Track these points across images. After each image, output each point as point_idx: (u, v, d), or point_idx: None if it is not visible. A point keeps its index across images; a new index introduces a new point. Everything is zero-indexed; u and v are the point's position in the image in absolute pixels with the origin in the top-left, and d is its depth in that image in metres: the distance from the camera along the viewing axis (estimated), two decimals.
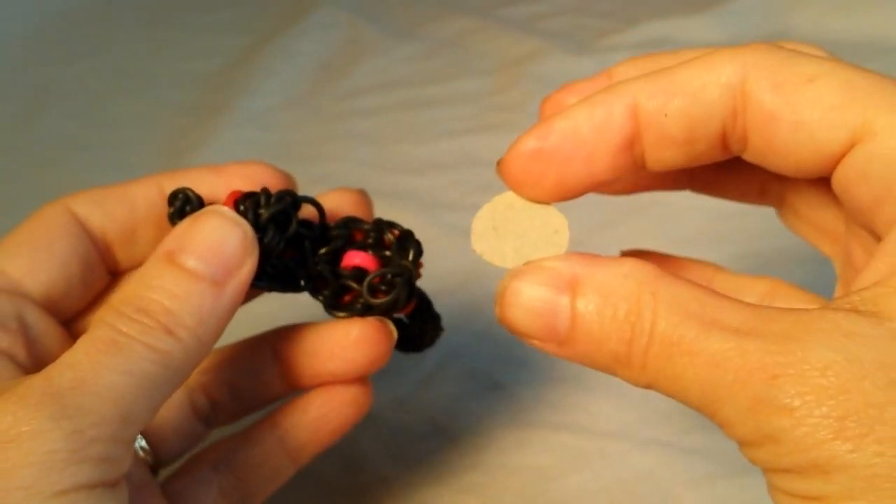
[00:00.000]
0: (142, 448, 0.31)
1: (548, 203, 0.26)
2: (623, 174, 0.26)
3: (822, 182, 0.27)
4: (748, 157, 0.25)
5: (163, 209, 0.29)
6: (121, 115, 0.71)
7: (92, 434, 0.21)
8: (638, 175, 0.29)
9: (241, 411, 0.33)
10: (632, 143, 0.25)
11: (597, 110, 0.25)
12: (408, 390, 0.41)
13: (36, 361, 0.27)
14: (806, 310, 0.21)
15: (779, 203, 0.30)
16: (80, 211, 0.30)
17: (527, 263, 0.24)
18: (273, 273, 0.29)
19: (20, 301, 0.27)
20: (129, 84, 0.76)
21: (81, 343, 0.23)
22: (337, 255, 0.30)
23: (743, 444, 0.21)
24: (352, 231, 0.30)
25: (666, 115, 0.24)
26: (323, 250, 0.30)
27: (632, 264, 0.23)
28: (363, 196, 0.33)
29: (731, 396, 0.20)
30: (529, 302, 0.23)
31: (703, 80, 0.24)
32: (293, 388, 0.33)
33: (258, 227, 0.27)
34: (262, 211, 0.27)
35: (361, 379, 0.33)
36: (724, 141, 0.25)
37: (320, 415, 0.32)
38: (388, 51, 0.77)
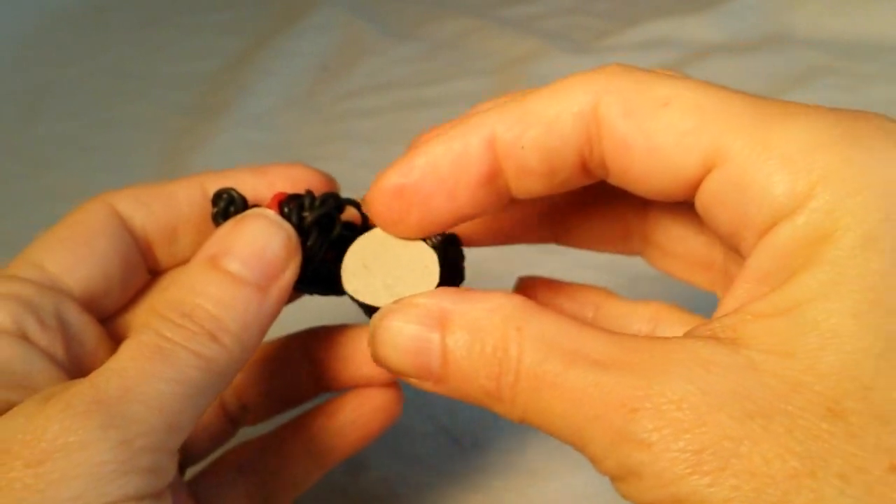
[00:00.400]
0: None
1: (417, 239, 0.26)
2: (490, 207, 0.25)
3: (686, 213, 0.27)
4: (612, 180, 0.25)
5: (205, 210, 0.29)
6: (120, 115, 0.71)
7: (140, 444, 0.21)
8: (504, 212, 0.28)
9: (270, 412, 0.33)
10: (493, 175, 0.24)
11: (454, 144, 0.24)
12: (410, 390, 0.41)
13: (75, 360, 0.27)
14: (666, 339, 0.21)
15: (644, 246, 0.30)
16: (122, 208, 0.29)
17: (396, 301, 0.24)
18: (315, 277, 0.28)
19: (59, 298, 0.27)
20: (128, 85, 0.76)
21: (127, 348, 0.23)
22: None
23: (611, 478, 0.21)
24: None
25: (523, 146, 0.24)
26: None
27: (499, 298, 0.23)
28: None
29: (594, 431, 0.20)
30: (401, 340, 0.23)
31: (556, 108, 0.23)
32: (324, 390, 0.32)
33: (302, 230, 0.27)
34: (306, 214, 0.27)
35: (392, 384, 0.32)
36: (584, 168, 0.24)
37: (349, 420, 0.32)
38: (386, 51, 0.77)
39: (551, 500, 0.38)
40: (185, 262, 0.30)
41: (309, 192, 0.27)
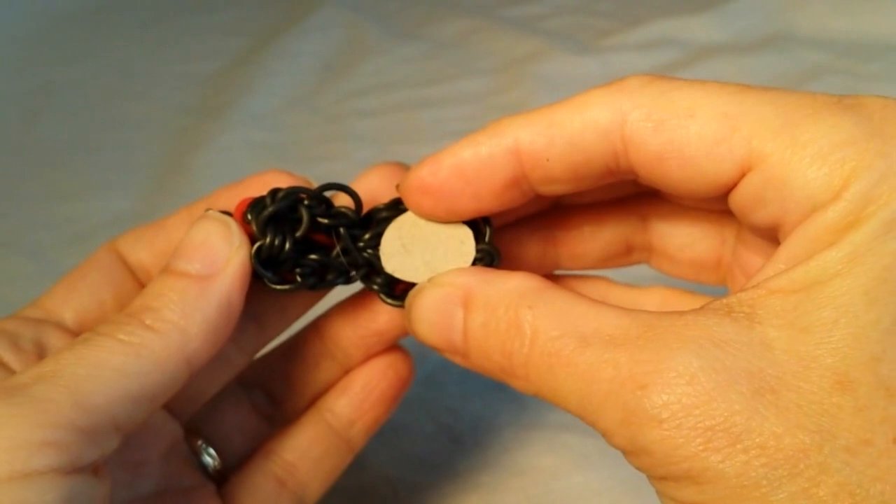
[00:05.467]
0: (208, 455, 0.31)
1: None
2: (514, 206, 0.27)
3: (688, 220, 0.29)
4: (642, 182, 0.26)
5: None
6: (122, 116, 0.71)
7: (38, 419, 0.21)
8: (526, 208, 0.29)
9: (302, 403, 0.33)
10: (517, 180, 0.25)
11: (480, 149, 0.25)
12: (411, 389, 0.41)
13: None
14: (681, 313, 0.21)
15: (647, 257, 0.31)
16: (120, 245, 0.31)
17: (430, 279, 0.25)
18: (309, 271, 0.28)
19: (42, 327, 0.28)
20: (130, 85, 0.76)
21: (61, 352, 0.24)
22: (380, 239, 0.29)
23: (623, 452, 0.21)
24: (402, 212, 0.29)
25: (548, 159, 0.25)
26: (367, 235, 0.29)
27: (519, 278, 0.24)
28: (403, 168, 0.32)
29: (606, 408, 0.21)
30: (431, 316, 0.25)
31: (579, 124, 0.24)
32: (349, 370, 0.33)
33: (264, 228, 0.27)
34: (266, 211, 0.27)
35: (398, 347, 0.33)
36: (610, 174, 0.25)
37: (361, 387, 0.33)
38: (389, 51, 0.77)
39: (554, 500, 0.38)
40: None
41: (272, 191, 0.28)
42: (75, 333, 0.28)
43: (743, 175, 0.23)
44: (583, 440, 0.40)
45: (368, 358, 0.33)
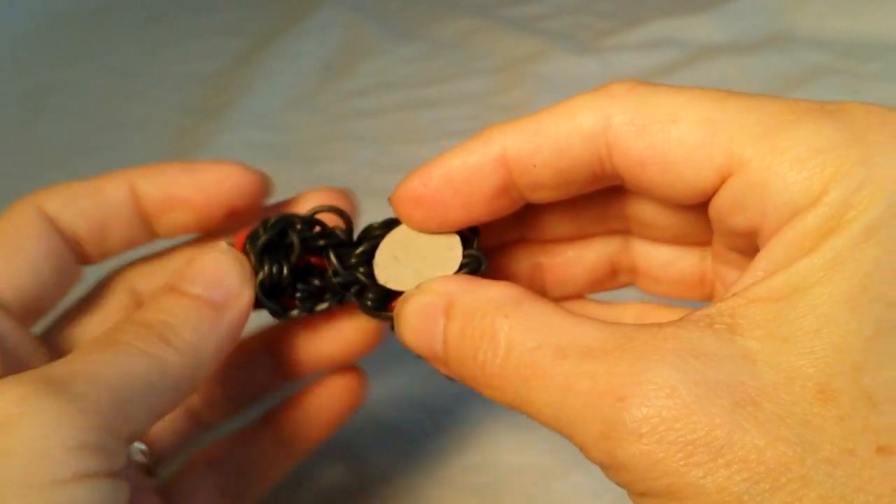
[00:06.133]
0: (140, 450, 0.31)
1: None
2: (504, 212, 0.27)
3: (671, 236, 0.29)
4: (627, 187, 0.26)
5: (133, 204, 0.30)
6: (122, 116, 0.71)
7: (88, 422, 0.20)
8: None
9: (234, 407, 0.33)
10: (506, 188, 0.26)
11: (469, 158, 0.25)
12: (409, 389, 0.41)
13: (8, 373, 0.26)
14: (660, 325, 0.21)
15: (633, 279, 0.31)
16: (49, 208, 0.29)
17: (418, 286, 0.25)
18: (306, 295, 0.29)
19: None
20: (130, 85, 0.76)
21: (78, 347, 0.23)
22: (372, 256, 0.29)
23: (601, 467, 0.21)
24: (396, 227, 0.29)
25: (535, 165, 0.25)
26: (357, 251, 0.29)
27: (499, 287, 0.24)
28: (346, 196, 0.32)
29: (583, 421, 0.20)
30: (414, 322, 0.25)
31: (566, 129, 0.24)
32: (287, 379, 0.33)
33: (261, 258, 0.28)
34: (259, 242, 0.28)
35: (355, 368, 0.33)
36: (596, 179, 0.25)
37: (314, 406, 0.33)
38: (389, 51, 0.77)
39: (553, 500, 0.38)
40: (113, 256, 0.31)
41: (264, 220, 0.28)
42: (17, 314, 0.27)
43: (723, 181, 0.23)
44: None
45: (316, 368, 0.33)
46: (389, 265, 0.28)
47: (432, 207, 0.26)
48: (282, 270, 0.28)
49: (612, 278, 0.31)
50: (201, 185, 0.30)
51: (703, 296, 0.30)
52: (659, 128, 0.23)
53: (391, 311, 0.28)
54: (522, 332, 0.22)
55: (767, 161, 0.21)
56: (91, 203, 0.29)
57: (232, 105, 0.69)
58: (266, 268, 0.28)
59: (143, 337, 0.24)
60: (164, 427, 0.32)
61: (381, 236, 0.29)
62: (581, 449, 0.21)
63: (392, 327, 0.27)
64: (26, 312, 0.28)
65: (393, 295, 0.28)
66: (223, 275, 0.26)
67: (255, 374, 0.33)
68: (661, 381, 0.19)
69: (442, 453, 0.40)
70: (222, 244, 0.28)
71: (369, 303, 0.28)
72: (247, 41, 0.80)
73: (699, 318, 0.21)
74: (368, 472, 0.40)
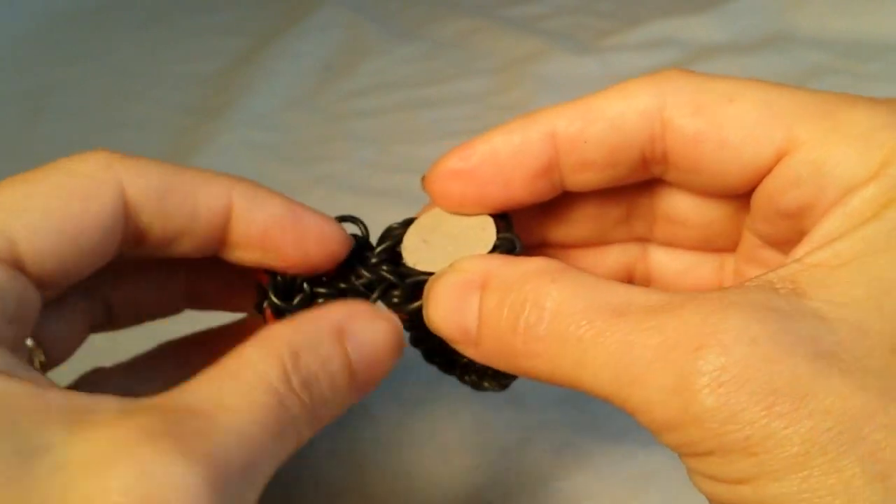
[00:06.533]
0: (30, 347, 0.26)
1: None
2: (542, 197, 0.26)
3: (688, 242, 0.29)
4: (669, 178, 0.26)
5: (222, 222, 0.26)
6: (122, 116, 0.71)
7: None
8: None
9: (136, 317, 0.31)
10: (549, 168, 0.25)
11: (514, 136, 0.25)
12: (409, 390, 0.41)
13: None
14: (723, 289, 0.21)
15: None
16: (132, 193, 0.25)
17: (451, 265, 0.24)
18: (328, 300, 0.28)
19: (23, 283, 0.23)
20: (130, 86, 0.76)
21: (250, 404, 0.20)
22: (394, 253, 0.28)
23: (662, 429, 0.20)
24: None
25: (585, 141, 0.25)
26: (379, 249, 0.28)
27: (540, 260, 0.23)
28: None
29: (651, 376, 0.20)
30: (446, 301, 0.24)
31: (621, 107, 0.24)
32: (192, 307, 0.32)
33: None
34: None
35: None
36: (644, 163, 0.25)
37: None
38: (389, 51, 0.77)
39: (555, 501, 0.38)
40: (166, 256, 0.27)
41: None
42: (39, 281, 0.23)
43: (779, 159, 0.23)
44: (583, 440, 0.40)
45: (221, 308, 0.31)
46: (419, 248, 0.27)
47: (471, 182, 0.26)
48: (294, 276, 0.27)
49: None
50: (303, 240, 0.27)
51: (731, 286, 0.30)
52: (717, 106, 0.23)
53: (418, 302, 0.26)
54: (570, 294, 0.21)
55: (827, 138, 0.22)
56: (180, 206, 0.26)
57: (232, 105, 0.69)
58: (299, 299, 0.27)
59: (303, 418, 0.21)
60: (59, 331, 0.28)
61: (402, 234, 0.28)
62: (639, 412, 0.20)
63: (411, 325, 0.26)
64: (51, 282, 0.24)
65: (420, 288, 0.26)
66: (383, 356, 0.24)
67: (164, 294, 0.31)
68: (741, 330, 0.19)
69: (443, 454, 0.40)
70: (393, 317, 0.24)
71: (395, 300, 0.27)
72: (247, 41, 0.80)
73: (761, 283, 0.21)
74: (368, 475, 0.40)
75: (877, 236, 0.20)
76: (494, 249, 0.26)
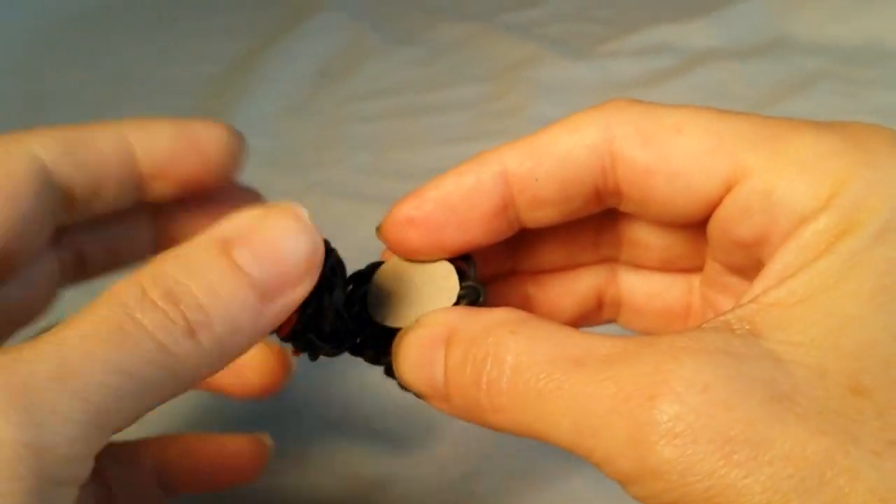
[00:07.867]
0: None
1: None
2: (500, 236, 0.26)
3: (657, 266, 0.29)
4: (624, 208, 0.26)
5: (128, 162, 0.27)
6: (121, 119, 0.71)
7: (61, 453, 0.18)
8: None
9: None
10: (504, 208, 0.25)
11: (466, 178, 0.25)
12: (407, 394, 0.41)
13: None
14: (678, 332, 0.20)
15: (616, 313, 0.30)
16: (47, 157, 0.25)
17: (417, 320, 0.24)
18: (331, 334, 0.26)
19: None
20: (127, 89, 0.76)
21: (79, 320, 0.19)
22: (362, 303, 0.27)
23: (626, 480, 0.20)
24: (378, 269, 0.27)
25: (536, 179, 0.25)
26: (346, 301, 0.26)
27: (503, 311, 0.23)
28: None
29: (608, 428, 0.19)
30: (414, 357, 0.24)
31: (569, 143, 0.24)
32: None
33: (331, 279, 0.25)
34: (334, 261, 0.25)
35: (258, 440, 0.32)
36: (598, 196, 0.25)
37: (206, 464, 0.32)
38: (386, 56, 0.77)
39: (554, 501, 0.38)
40: (101, 217, 0.28)
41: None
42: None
43: (728, 189, 0.23)
44: None
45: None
46: (385, 302, 0.27)
47: (427, 230, 0.25)
48: (341, 296, 0.26)
49: (598, 312, 0.30)
50: (200, 147, 0.28)
51: (685, 325, 0.29)
52: (665, 137, 0.23)
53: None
54: (531, 346, 0.21)
55: (773, 167, 0.22)
56: (91, 157, 0.26)
57: (230, 109, 0.69)
58: (335, 294, 0.25)
59: (166, 327, 0.20)
60: (32, 281, 0.28)
61: (366, 288, 0.27)
62: (603, 463, 0.20)
63: (388, 371, 0.25)
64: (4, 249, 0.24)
65: (389, 342, 0.25)
66: (290, 254, 0.22)
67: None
68: (693, 377, 0.19)
69: (441, 457, 0.40)
70: (299, 209, 0.23)
71: (366, 356, 0.27)
72: (244, 45, 0.80)
73: (717, 325, 0.20)
74: (366, 480, 0.39)
75: (829, 271, 0.20)
76: (459, 300, 0.25)
